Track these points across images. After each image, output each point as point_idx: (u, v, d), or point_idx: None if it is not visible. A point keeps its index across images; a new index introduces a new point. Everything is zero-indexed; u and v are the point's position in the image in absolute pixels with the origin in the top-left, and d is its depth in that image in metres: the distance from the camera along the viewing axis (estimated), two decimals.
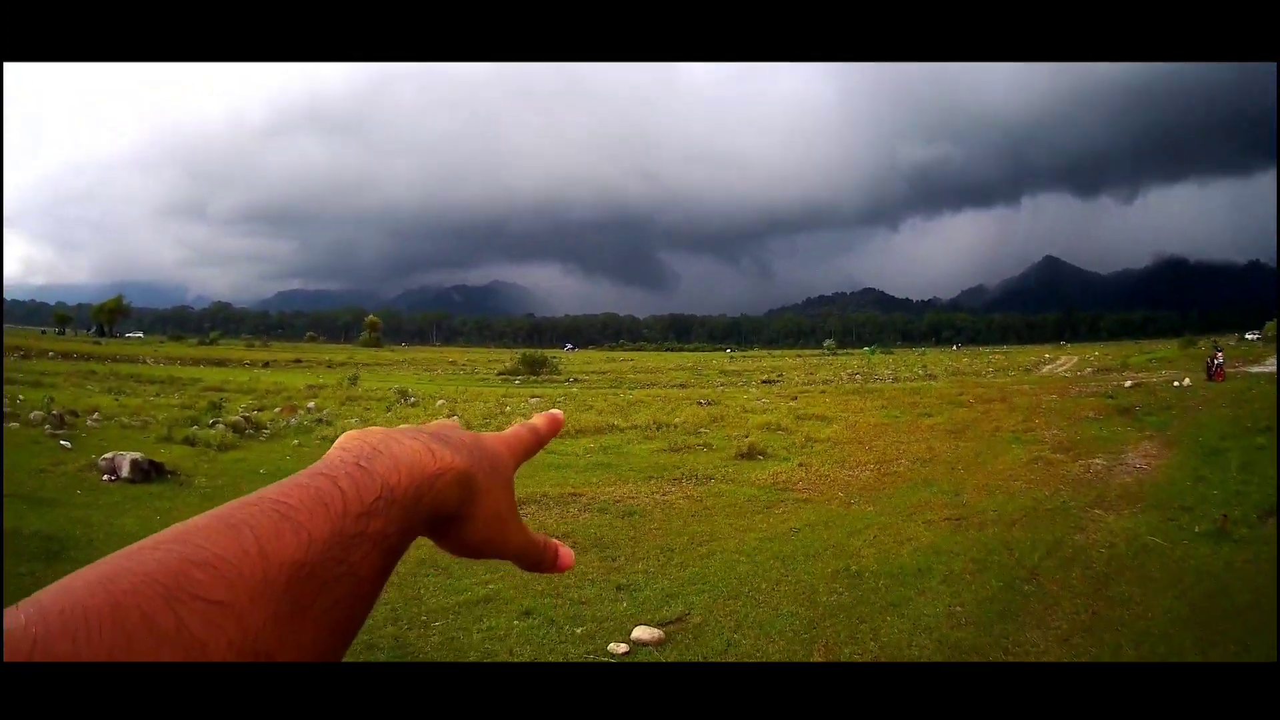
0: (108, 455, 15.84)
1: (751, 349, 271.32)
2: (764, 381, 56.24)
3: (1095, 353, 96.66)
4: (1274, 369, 40.95)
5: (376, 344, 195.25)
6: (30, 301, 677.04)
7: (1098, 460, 17.86)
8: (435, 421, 0.89)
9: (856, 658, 7.78)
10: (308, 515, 0.63)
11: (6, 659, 0.48)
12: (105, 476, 15.17)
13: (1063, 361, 76.88)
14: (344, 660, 0.65)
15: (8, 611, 0.49)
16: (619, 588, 9.96)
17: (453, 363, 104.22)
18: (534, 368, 69.91)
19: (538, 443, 0.96)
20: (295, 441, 22.15)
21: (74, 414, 23.56)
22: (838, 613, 9.03)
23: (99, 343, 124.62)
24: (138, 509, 13.22)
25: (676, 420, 27.18)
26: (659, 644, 8.17)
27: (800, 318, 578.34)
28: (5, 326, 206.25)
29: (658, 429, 25.20)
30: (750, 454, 19.75)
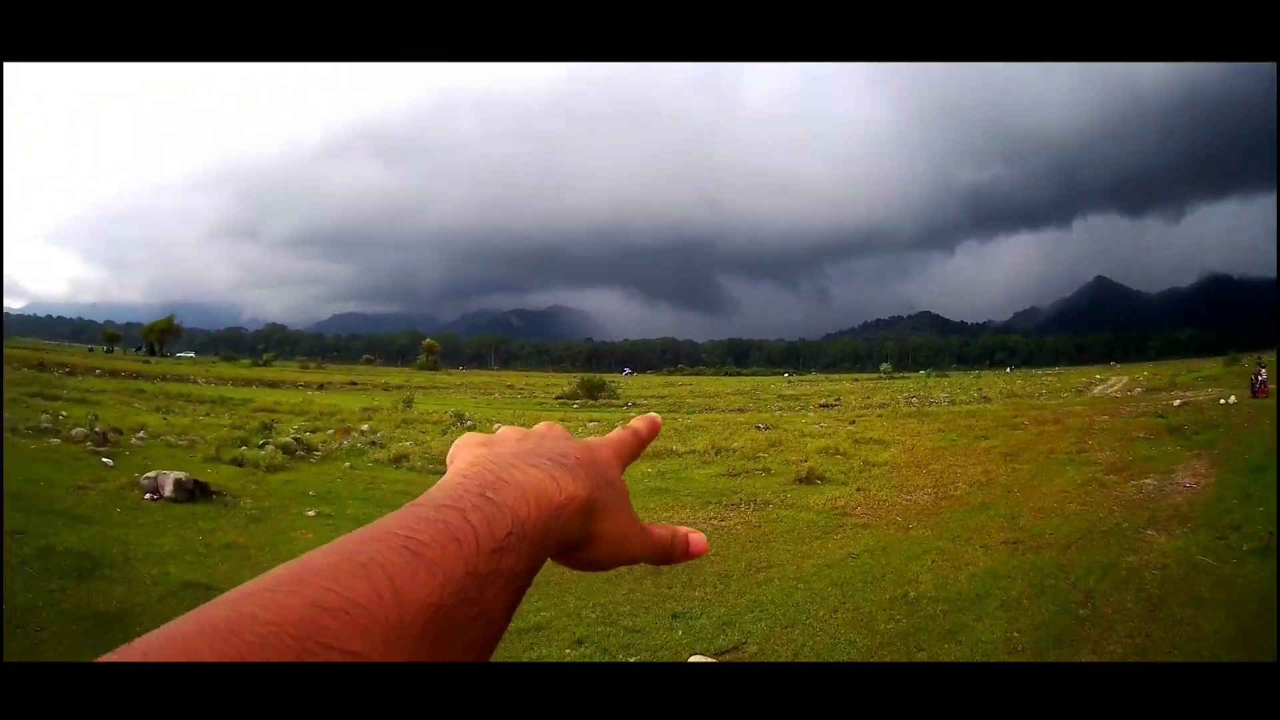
0: (150, 474, 15.62)
1: (809, 373, 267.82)
2: (822, 405, 55.26)
3: (1144, 372, 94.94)
4: None
5: (434, 367, 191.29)
6: (77, 319, 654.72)
7: (1149, 480, 17.86)
8: (541, 425, 0.96)
9: None
10: (440, 553, 0.62)
11: None
12: (147, 495, 14.99)
13: (1113, 382, 75.34)
14: None
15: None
16: (674, 615, 10.00)
17: (510, 386, 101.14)
18: (592, 392, 68.57)
19: (639, 446, 1.00)
20: (347, 464, 21.94)
21: (118, 431, 23.04)
22: (895, 640, 9.05)
23: (148, 362, 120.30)
24: (179, 529, 13.23)
25: (735, 445, 27.00)
26: None
27: (857, 341, 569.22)
28: (48, 344, 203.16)
29: (716, 454, 25.10)
30: (808, 479, 19.78)
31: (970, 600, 10.33)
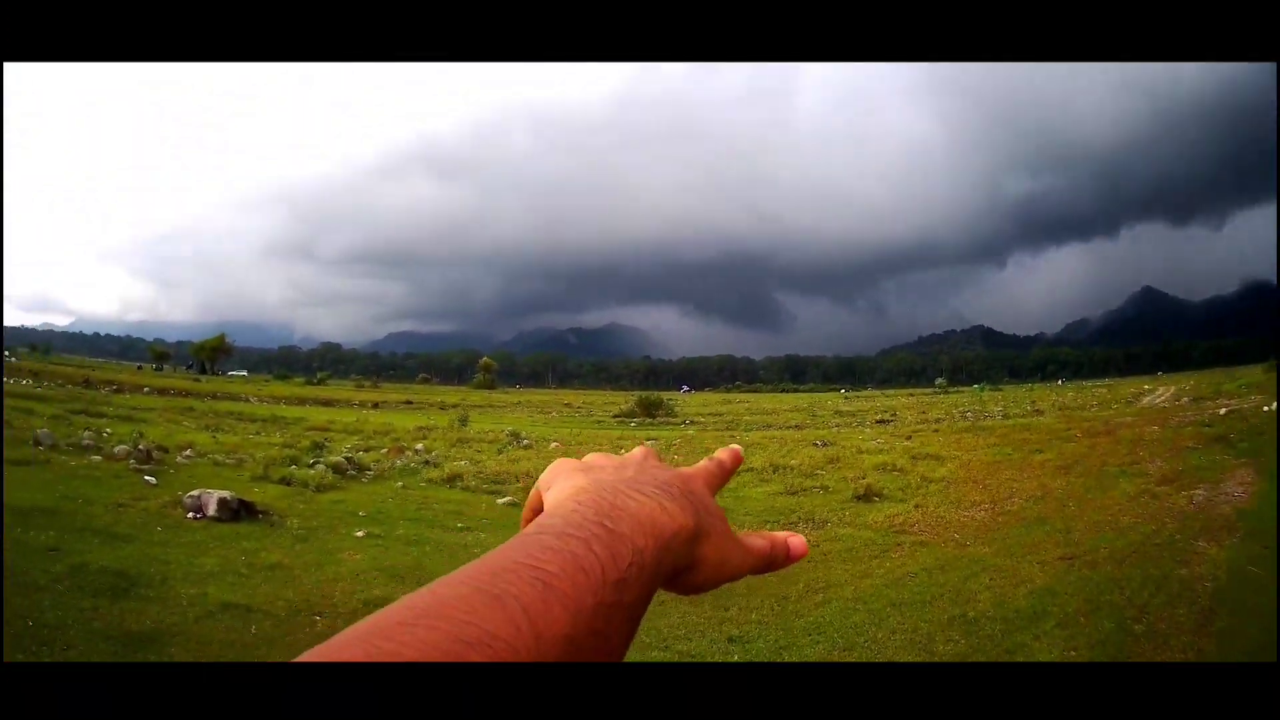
0: (194, 492, 15.52)
1: (864, 389, 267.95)
2: (878, 421, 55.31)
3: (1190, 381, 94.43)
4: None
5: (490, 386, 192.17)
6: (125, 336, 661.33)
7: (1199, 491, 17.76)
8: (636, 452, 0.95)
9: None
10: (570, 584, 0.63)
11: None
12: (190, 514, 14.89)
13: (1160, 392, 75.10)
14: None
15: None
16: (731, 639, 9.88)
17: (568, 405, 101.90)
18: (650, 410, 68.68)
19: (725, 476, 0.99)
20: (399, 484, 21.81)
21: (163, 449, 22.94)
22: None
23: (199, 380, 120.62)
24: (221, 549, 13.05)
25: (792, 462, 26.82)
26: None
27: (912, 356, 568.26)
28: (96, 360, 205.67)
29: (774, 471, 24.99)
30: (866, 496, 19.77)
31: (1028, 619, 10.22)
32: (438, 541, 14.84)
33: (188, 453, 23.85)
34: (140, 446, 21.64)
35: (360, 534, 14.97)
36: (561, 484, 0.83)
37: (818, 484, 22.35)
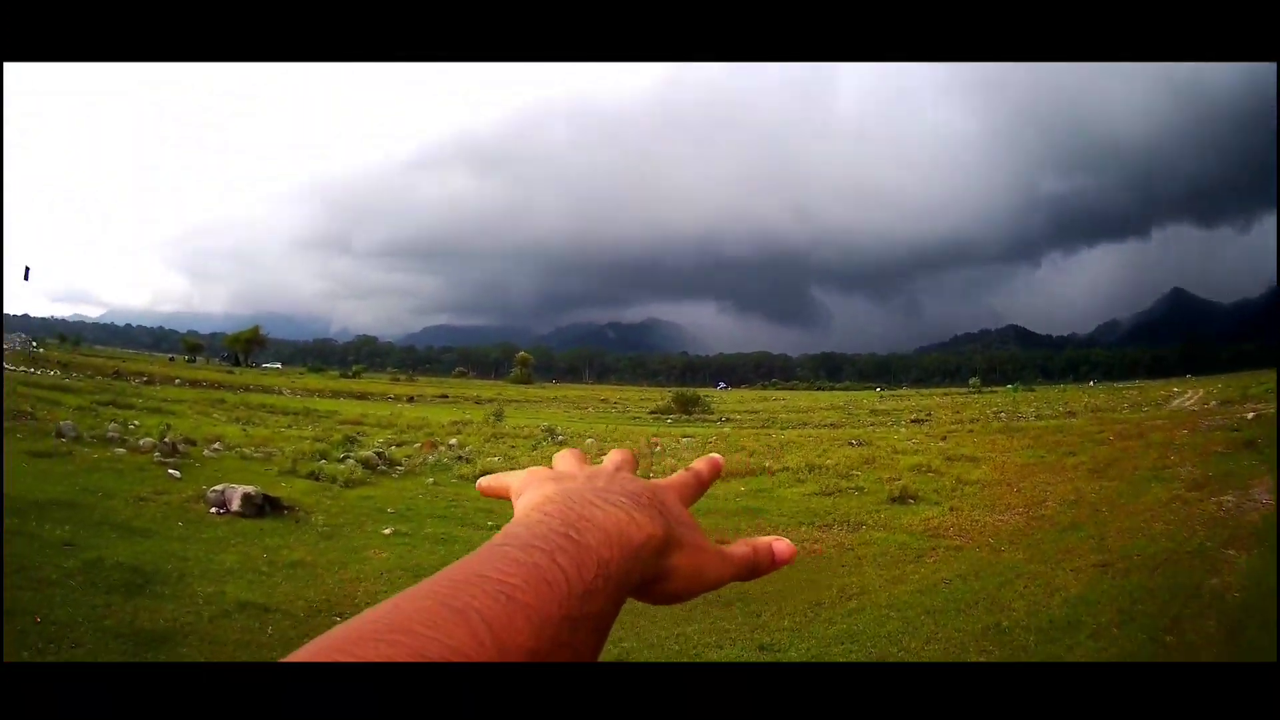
0: (218, 487, 15.39)
1: (900, 388, 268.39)
2: (913, 421, 55.43)
3: (1218, 384, 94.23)
4: None
5: (527, 380, 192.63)
6: (158, 328, 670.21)
7: (1228, 497, 17.50)
8: (610, 460, 0.97)
9: None
10: (534, 597, 0.62)
11: None
12: (213, 509, 14.75)
13: (1189, 395, 75.13)
14: None
15: None
16: (762, 647, 9.72)
17: (604, 400, 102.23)
18: (686, 406, 69.04)
19: (701, 488, 0.99)
20: (430, 480, 21.62)
21: (190, 442, 22.99)
22: None
23: (232, 372, 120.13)
24: (243, 545, 12.96)
25: (828, 462, 26.72)
26: None
27: (946, 355, 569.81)
28: (127, 352, 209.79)
29: (809, 471, 24.83)
30: (902, 498, 19.66)
31: (1062, 629, 10.12)
32: (467, 540, 14.48)
33: (216, 446, 23.74)
34: (166, 439, 21.55)
35: (388, 531, 14.83)
36: (531, 493, 0.85)
37: (853, 485, 22.16)
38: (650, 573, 0.78)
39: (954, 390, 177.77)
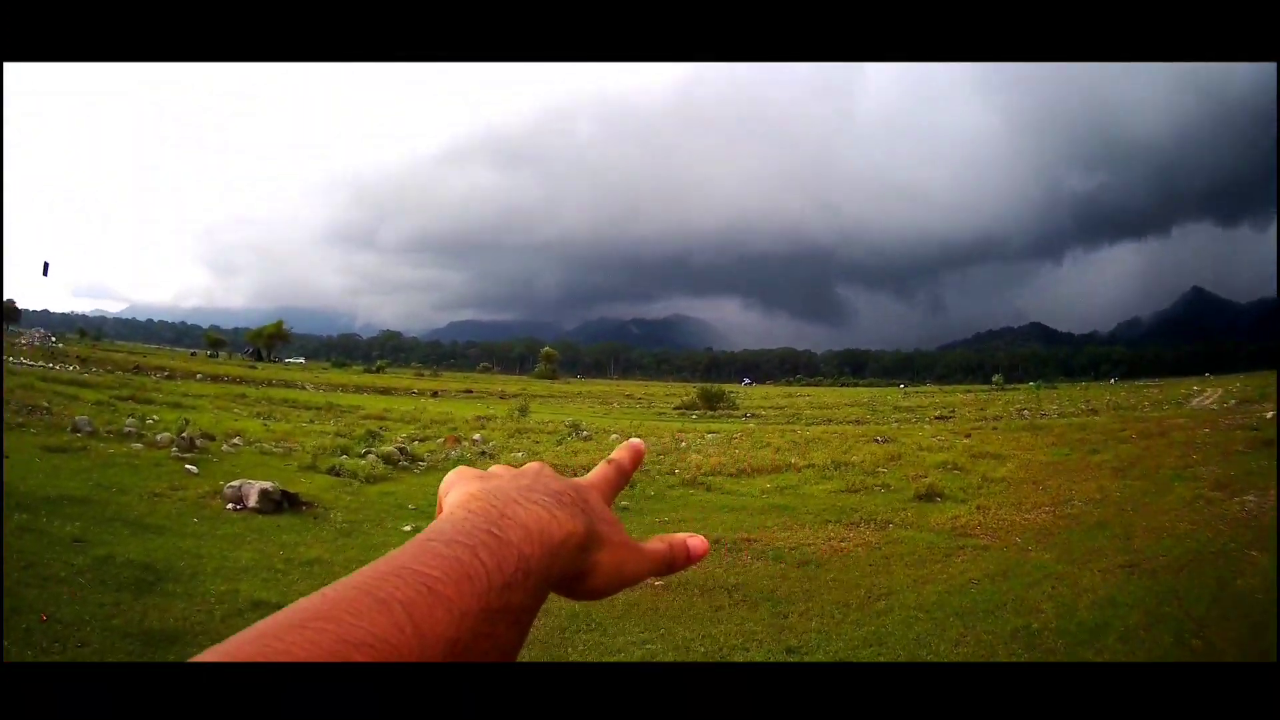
0: (235, 483, 15.24)
1: (923, 384, 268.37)
2: (937, 417, 55.63)
3: (1236, 383, 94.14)
4: None
5: (552, 376, 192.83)
6: (180, 323, 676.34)
7: (1250, 498, 17.29)
8: (532, 464, 0.95)
9: None
10: (455, 589, 0.65)
11: None
12: (229, 505, 14.58)
13: (1209, 394, 75.15)
14: None
15: None
16: (789, 650, 9.60)
17: (629, 396, 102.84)
18: (711, 402, 69.21)
19: (622, 479, 1.01)
20: None
21: (209, 438, 22.88)
22: None
23: (254, 367, 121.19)
24: (259, 542, 12.79)
25: (854, 459, 26.75)
26: None
27: (969, 353, 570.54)
28: (149, 347, 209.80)
29: (835, 468, 24.85)
30: (929, 496, 19.55)
31: (1090, 632, 9.98)
32: None
33: (235, 440, 23.71)
34: (184, 434, 21.45)
35: (408, 528, 14.61)
36: (457, 491, 0.85)
37: (879, 482, 22.11)
38: (572, 569, 0.80)
39: (976, 387, 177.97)
